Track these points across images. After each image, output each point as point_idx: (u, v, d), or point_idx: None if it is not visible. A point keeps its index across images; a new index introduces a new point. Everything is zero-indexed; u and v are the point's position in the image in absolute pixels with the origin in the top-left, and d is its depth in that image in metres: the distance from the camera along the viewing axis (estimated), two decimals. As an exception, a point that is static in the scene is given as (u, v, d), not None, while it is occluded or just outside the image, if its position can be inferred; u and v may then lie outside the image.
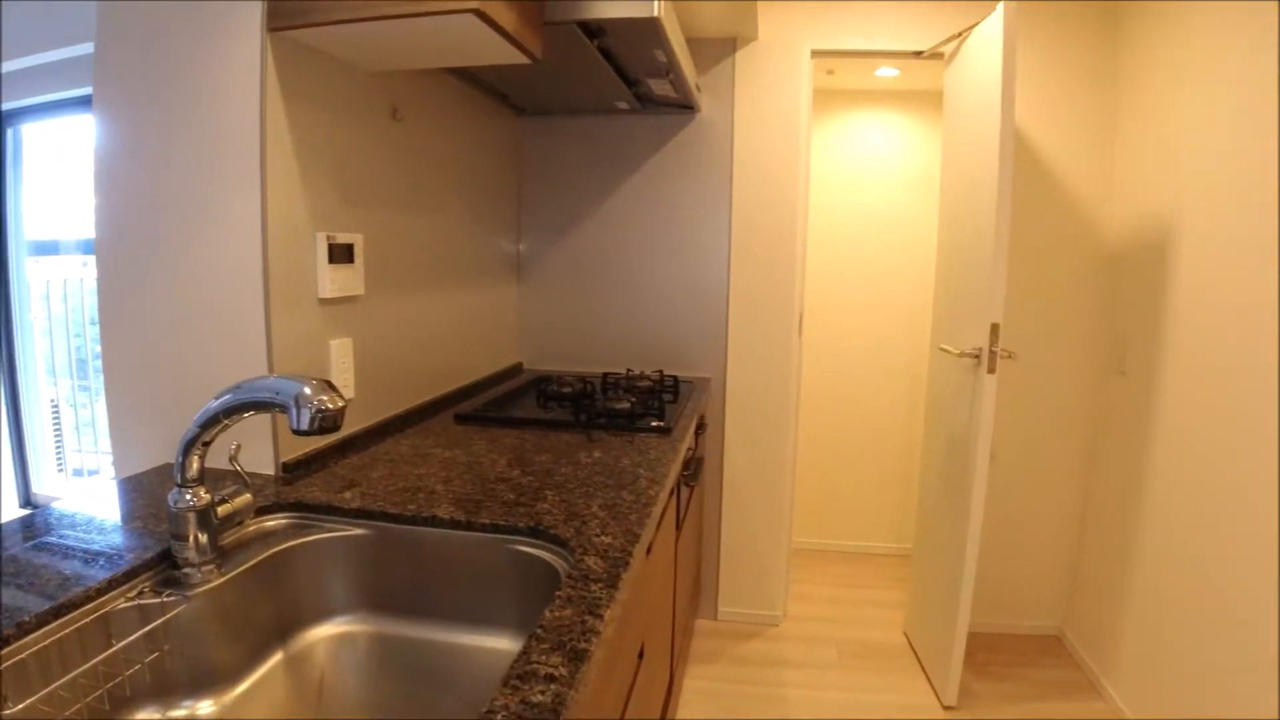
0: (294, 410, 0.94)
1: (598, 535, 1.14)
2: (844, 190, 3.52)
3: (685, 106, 2.63)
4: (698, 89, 2.58)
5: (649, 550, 1.40)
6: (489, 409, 2.04)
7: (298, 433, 0.94)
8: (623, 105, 2.56)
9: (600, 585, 0.97)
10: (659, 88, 2.32)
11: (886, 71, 3.16)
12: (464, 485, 1.38)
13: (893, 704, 2.43)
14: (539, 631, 0.85)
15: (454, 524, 1.22)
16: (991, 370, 2.27)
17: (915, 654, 2.74)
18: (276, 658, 1.16)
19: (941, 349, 2.59)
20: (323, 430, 0.96)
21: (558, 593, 0.94)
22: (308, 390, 0.94)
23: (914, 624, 2.81)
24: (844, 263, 3.58)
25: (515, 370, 2.77)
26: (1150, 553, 2.38)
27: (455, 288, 2.23)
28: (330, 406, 0.95)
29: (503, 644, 1.20)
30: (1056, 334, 2.78)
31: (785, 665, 2.64)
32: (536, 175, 2.81)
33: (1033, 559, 2.92)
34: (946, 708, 2.41)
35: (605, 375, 2.39)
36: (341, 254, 1.59)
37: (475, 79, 2.22)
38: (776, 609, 2.94)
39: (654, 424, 1.86)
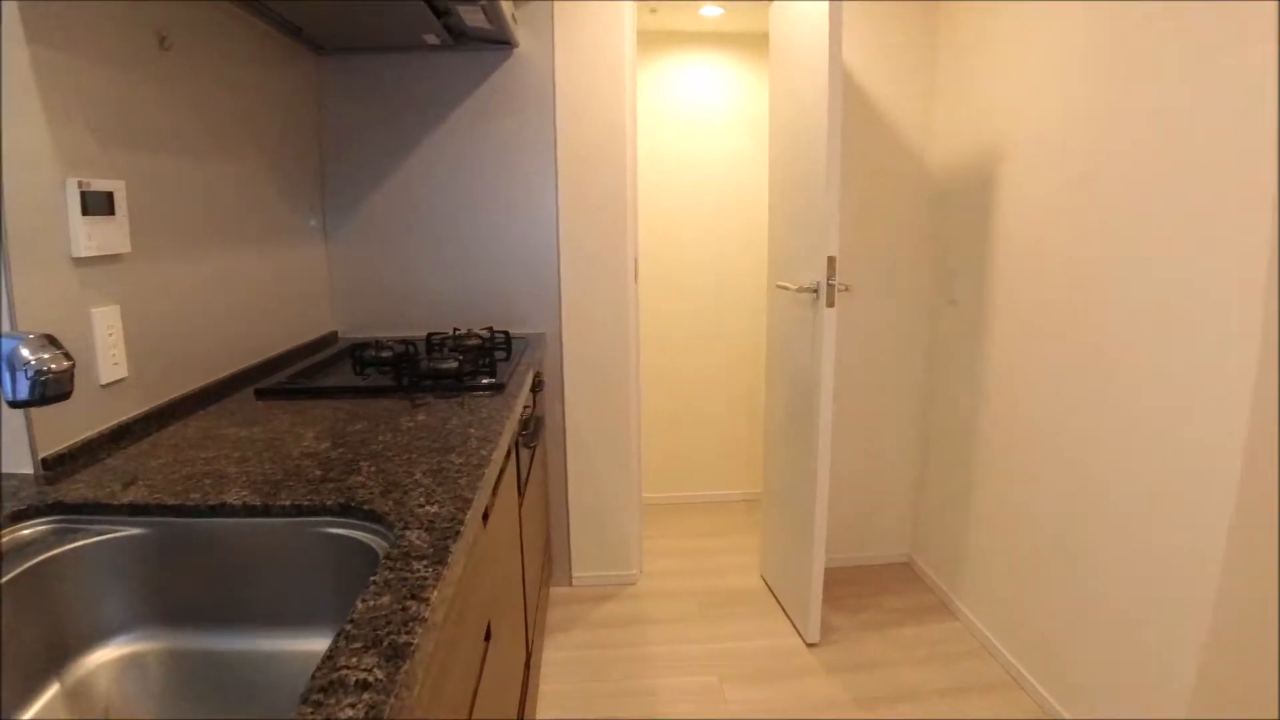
0: (6, 377, 0.71)
1: (421, 506, 0.96)
2: (674, 133, 3.42)
3: (501, 41, 2.41)
4: (514, 20, 2.37)
5: (486, 518, 1.23)
6: (295, 381, 1.77)
7: (15, 404, 0.72)
8: (432, 39, 2.30)
9: (425, 563, 0.79)
10: (471, 16, 2.10)
11: (711, 10, 3.06)
12: (262, 466, 1.15)
13: (758, 649, 2.40)
14: (349, 628, 0.67)
15: (249, 510, 1.00)
16: (830, 304, 2.24)
17: (775, 596, 2.74)
18: (51, 692, 0.92)
19: (779, 286, 2.55)
20: (47, 399, 0.75)
21: (373, 578, 0.76)
22: (24, 350, 0.71)
23: (770, 567, 2.81)
24: (678, 207, 3.49)
25: (329, 340, 2.48)
26: (986, 474, 2.47)
27: (251, 249, 1.92)
28: (54, 367, 0.74)
29: (323, 644, 1.00)
30: (891, 267, 2.82)
31: (646, 623, 2.56)
32: (341, 121, 2.50)
33: (879, 490, 2.99)
34: (810, 645, 2.42)
35: (430, 336, 2.17)
36: (99, 204, 1.28)
37: (261, 7, 1.90)
38: (632, 568, 2.85)
39: (485, 381, 1.68)
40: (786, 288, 2.46)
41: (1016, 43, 2.25)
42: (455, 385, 1.67)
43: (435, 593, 0.73)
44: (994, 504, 2.43)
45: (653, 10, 3.07)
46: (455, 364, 1.73)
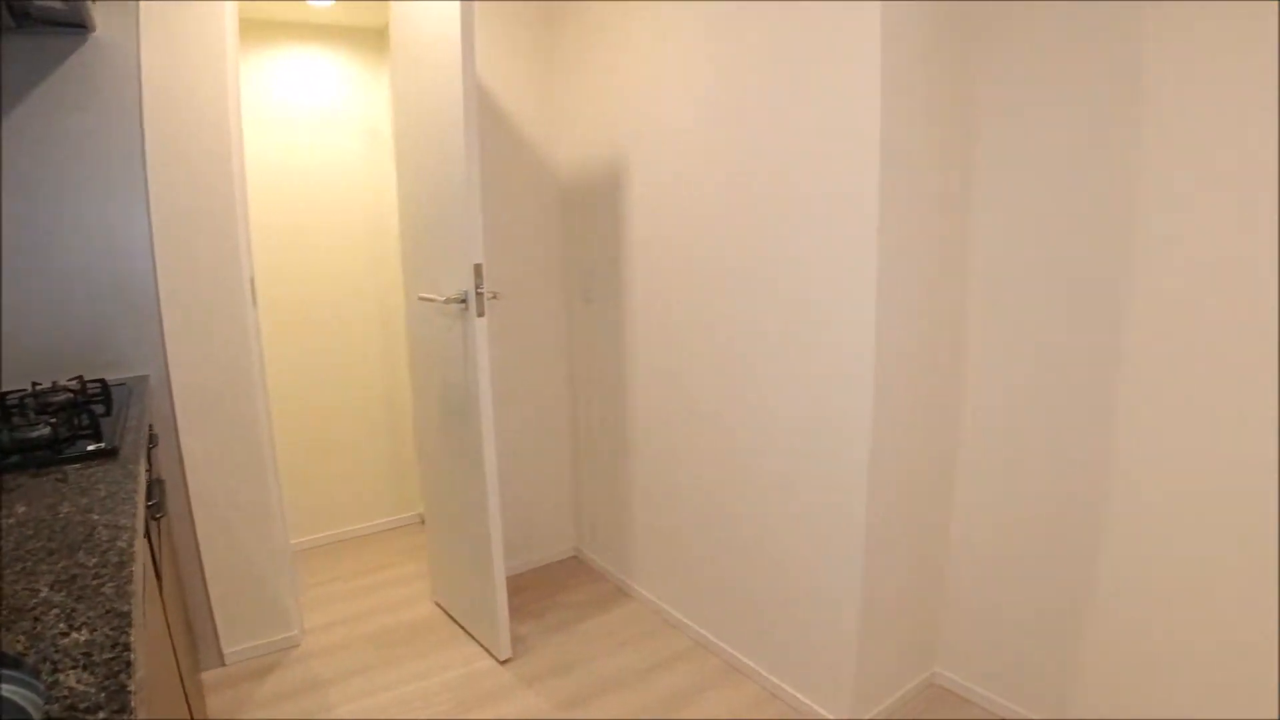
0: None
1: (65, 634, 0.72)
2: (283, 136, 3.07)
3: (76, 25, 1.94)
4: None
5: (142, 622, 0.97)
6: None
7: None
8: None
9: (105, 716, 0.59)
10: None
11: (319, 2, 2.80)
12: None
13: (450, 681, 2.28)
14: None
15: None
16: (481, 314, 2.20)
17: (454, 620, 2.63)
18: None
19: (423, 298, 2.43)
20: None
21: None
22: None
23: (444, 590, 2.69)
24: (298, 219, 3.14)
25: None
26: (638, 458, 2.63)
27: None
28: None
29: None
30: (531, 270, 2.85)
31: (322, 686, 2.28)
32: None
33: (540, 490, 3.02)
34: (503, 662, 2.36)
35: (3, 397, 1.67)
36: None
37: None
38: (292, 628, 2.52)
39: (90, 448, 1.34)
40: (432, 299, 2.35)
41: (638, 46, 2.41)
42: (51, 457, 1.30)
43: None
44: (648, 485, 2.60)
45: (248, -3, 2.72)
46: (48, 429, 1.35)
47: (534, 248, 2.85)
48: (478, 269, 2.19)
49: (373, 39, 3.20)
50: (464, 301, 2.22)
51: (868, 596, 1.93)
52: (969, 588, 2.12)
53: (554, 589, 2.85)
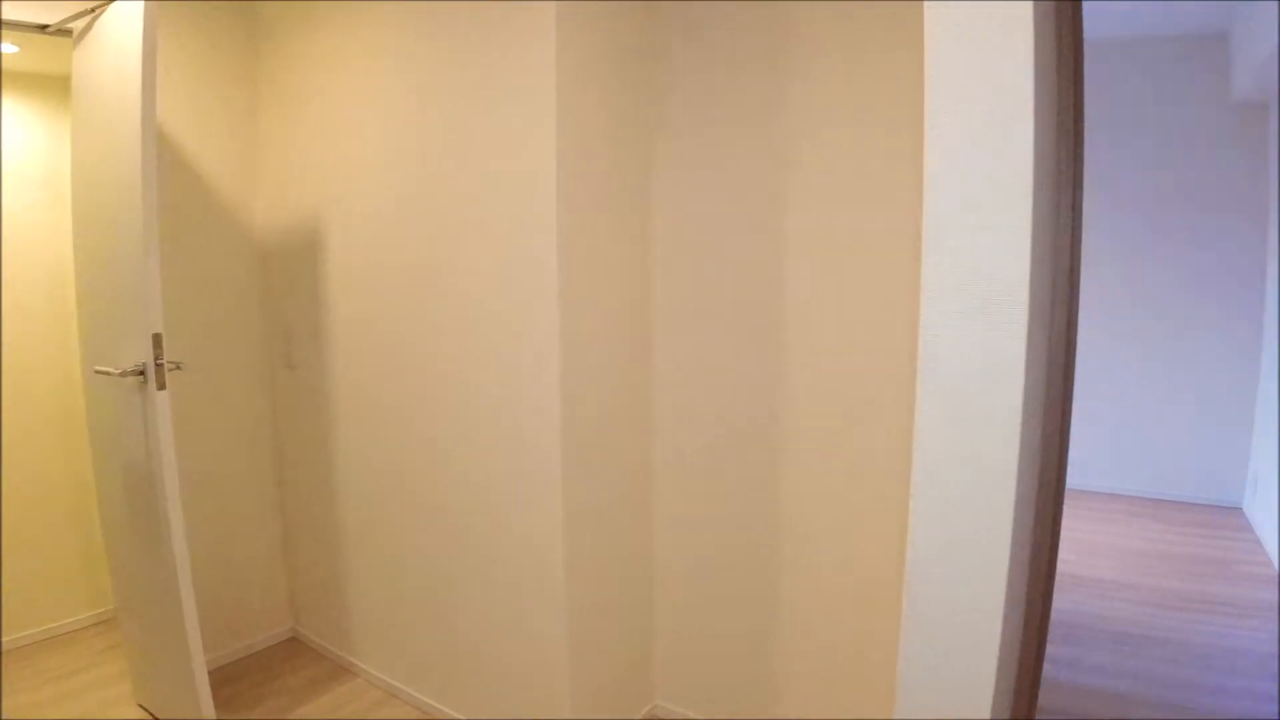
0: None
1: None
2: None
3: None
4: None
5: None
6: None
7: None
8: None
9: None
10: None
11: (6, 48, 2.54)
12: None
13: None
14: None
15: None
16: (162, 386, 2.04)
17: (151, 722, 2.37)
18: None
19: (99, 371, 2.22)
20: None
21: None
22: None
23: (147, 689, 2.42)
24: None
25: None
26: (351, 529, 2.54)
27: None
28: None
29: None
30: (226, 337, 2.68)
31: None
32: None
33: (248, 571, 2.82)
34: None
35: None
36: None
37: None
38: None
39: None
40: (108, 372, 2.16)
41: (332, 100, 2.37)
42: None
43: None
44: (360, 554, 2.52)
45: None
46: None
47: (230, 311, 2.69)
48: (157, 339, 2.04)
49: (60, 87, 2.93)
50: (142, 373, 2.06)
51: (574, 633, 1.97)
52: (676, 615, 2.22)
53: (270, 675, 2.66)
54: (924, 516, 1.21)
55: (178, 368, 2.16)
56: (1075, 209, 1.48)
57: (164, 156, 2.50)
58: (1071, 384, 1.55)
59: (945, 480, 1.16)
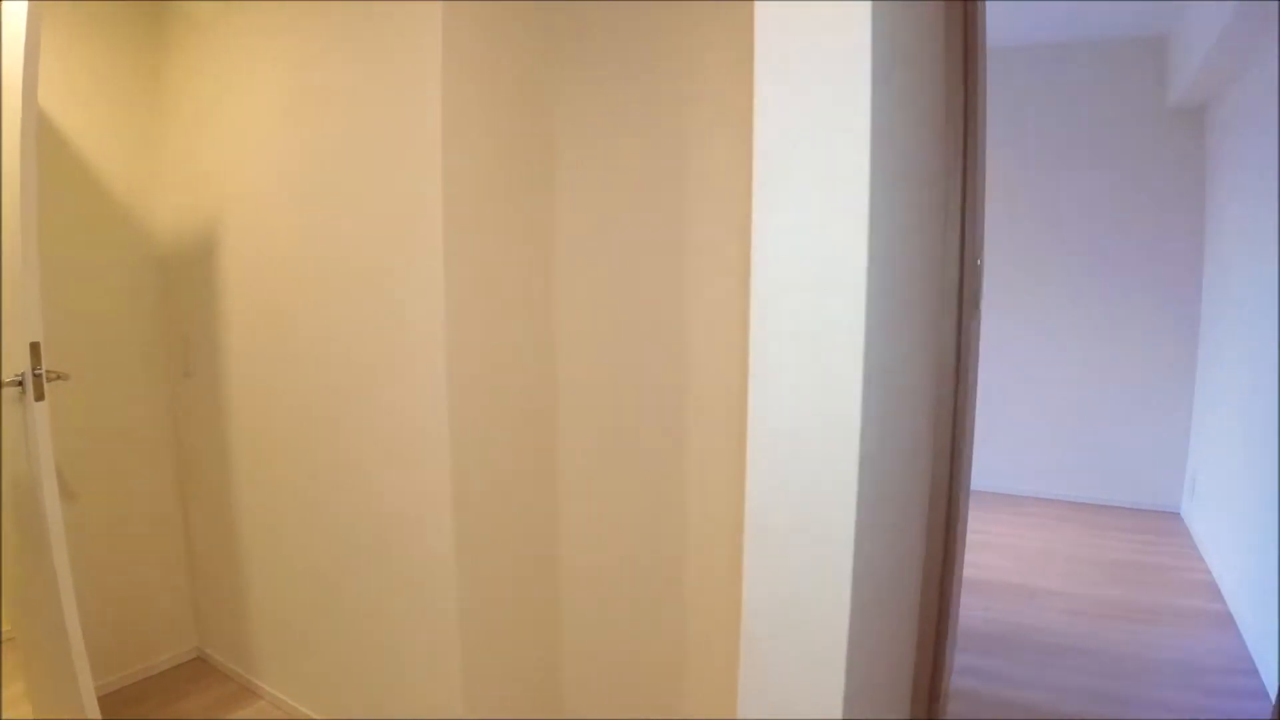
0: None
1: None
2: None
3: None
4: None
5: None
6: None
7: None
8: None
9: None
10: None
11: None
12: None
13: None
14: None
15: None
16: (40, 397, 1.95)
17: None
18: None
19: (-23, 382, 2.12)
20: None
21: None
22: None
23: (43, 709, 2.32)
24: None
25: None
26: (253, 544, 2.45)
27: None
28: None
29: None
30: (122, 345, 2.57)
31: None
32: None
33: (150, 587, 2.71)
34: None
35: None
36: None
37: None
38: None
39: None
40: (-14, 383, 2.06)
41: (227, 99, 2.30)
42: None
43: None
44: (263, 568, 2.43)
45: None
46: None
47: (126, 319, 2.58)
48: (35, 348, 1.94)
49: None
50: (20, 384, 1.96)
51: (469, 640, 1.91)
52: (584, 621, 2.16)
53: (173, 697, 2.55)
54: (756, 571, 1.15)
55: (60, 378, 2.06)
56: (969, 211, 1.44)
57: (57, 160, 2.40)
58: (967, 389, 1.52)
59: (778, 527, 1.10)
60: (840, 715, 1.07)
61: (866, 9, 0.89)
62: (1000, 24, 4.32)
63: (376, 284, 1.95)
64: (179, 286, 2.57)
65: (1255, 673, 2.65)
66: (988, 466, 4.96)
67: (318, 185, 2.06)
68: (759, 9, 0.99)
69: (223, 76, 2.32)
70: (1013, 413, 4.89)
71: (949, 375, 1.45)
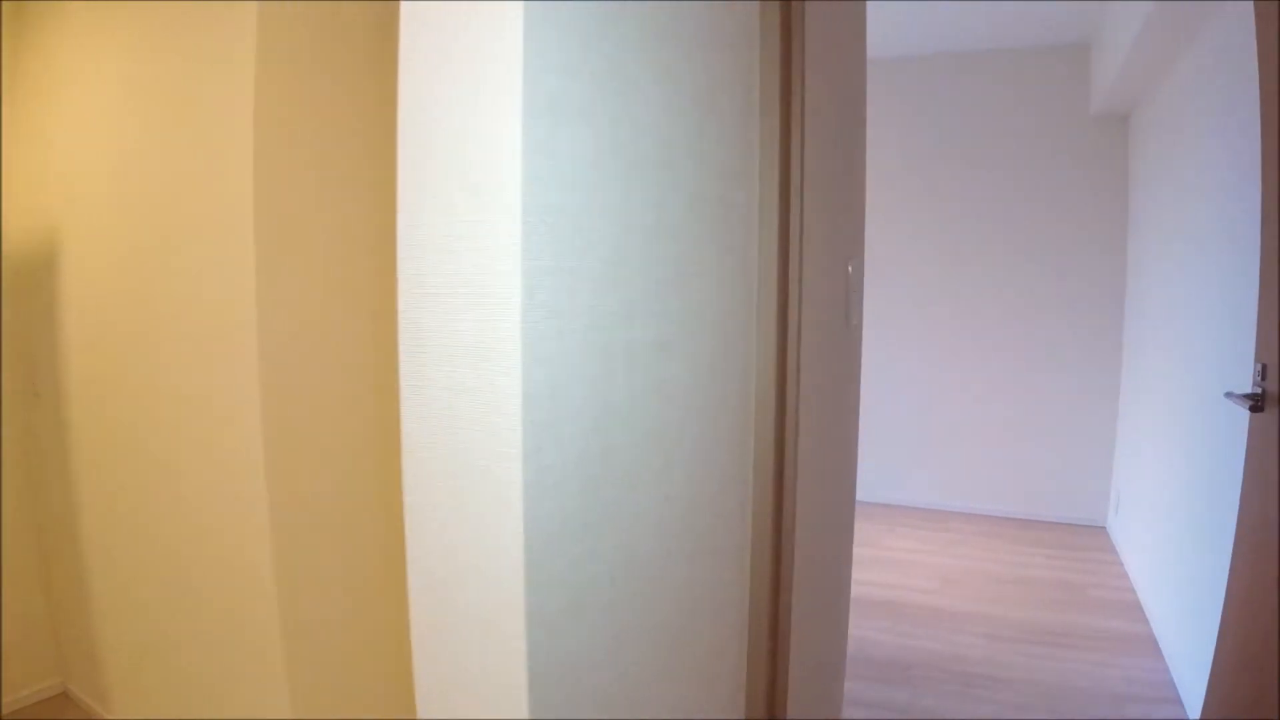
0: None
1: None
2: None
3: None
4: None
5: None
6: None
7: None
8: None
9: None
10: None
11: None
12: None
13: None
14: None
15: None
16: None
17: None
18: None
19: None
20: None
21: None
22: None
23: None
24: None
25: None
26: (105, 567, 2.27)
27: None
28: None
29: None
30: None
31: None
32: None
33: (9, 621, 2.50)
34: None
35: None
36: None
37: None
38: None
39: None
40: None
41: (80, 95, 2.12)
42: None
43: None
44: (112, 599, 2.25)
45: None
46: None
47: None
48: None
49: None
50: None
51: (294, 656, 1.74)
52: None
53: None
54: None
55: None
56: (783, 224, 1.31)
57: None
58: (784, 409, 1.37)
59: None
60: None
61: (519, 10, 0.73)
62: (925, 31, 4.25)
63: (193, 284, 1.80)
64: (23, 297, 2.37)
65: (1178, 700, 2.54)
66: (913, 482, 4.86)
67: (140, 184, 1.90)
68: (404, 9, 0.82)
69: (68, 70, 2.14)
70: (937, 429, 4.79)
71: (768, 387, 1.32)
